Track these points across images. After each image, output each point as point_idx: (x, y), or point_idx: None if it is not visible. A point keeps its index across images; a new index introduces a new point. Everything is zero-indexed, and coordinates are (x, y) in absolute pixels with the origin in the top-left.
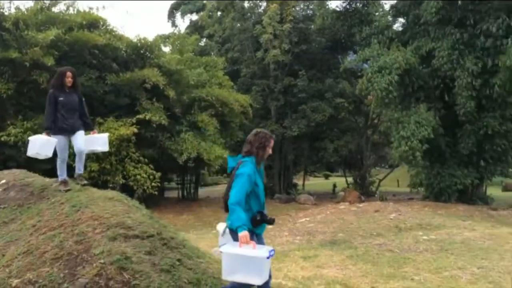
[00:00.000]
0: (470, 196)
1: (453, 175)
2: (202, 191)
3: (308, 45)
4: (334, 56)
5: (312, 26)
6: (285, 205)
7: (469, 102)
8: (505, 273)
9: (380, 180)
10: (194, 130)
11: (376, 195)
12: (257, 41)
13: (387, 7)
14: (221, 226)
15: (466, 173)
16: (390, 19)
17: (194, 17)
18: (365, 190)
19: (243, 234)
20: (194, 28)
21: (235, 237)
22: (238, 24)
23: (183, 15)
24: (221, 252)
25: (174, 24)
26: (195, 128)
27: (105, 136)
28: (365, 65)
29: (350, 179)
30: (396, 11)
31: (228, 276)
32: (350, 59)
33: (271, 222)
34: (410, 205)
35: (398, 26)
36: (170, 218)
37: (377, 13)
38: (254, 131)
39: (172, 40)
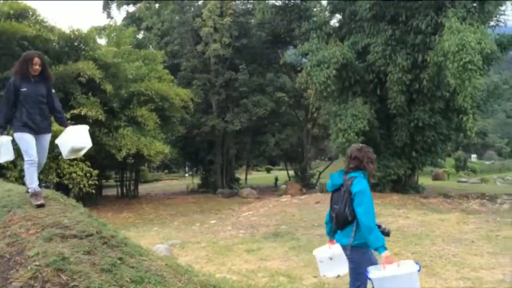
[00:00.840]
0: (403, 185)
1: (387, 166)
2: (143, 188)
3: (249, 39)
4: (274, 51)
5: (253, 20)
6: (228, 200)
7: (400, 97)
8: (437, 257)
9: (320, 172)
10: (133, 126)
11: (316, 187)
12: (197, 34)
13: (324, 3)
14: (321, 252)
15: (399, 164)
16: (328, 14)
17: (131, 8)
18: (306, 183)
19: (387, 254)
20: (131, 20)
21: (358, 256)
22: (178, 17)
23: (119, 6)
24: (370, 278)
25: (109, 16)
26: (134, 123)
27: (83, 129)
28: (304, 60)
29: (291, 172)
30: (333, 7)
31: None
32: (290, 53)
33: (388, 234)
34: None
35: (335, 22)
36: (108, 216)
37: (315, 9)
38: (356, 146)
39: (108, 32)
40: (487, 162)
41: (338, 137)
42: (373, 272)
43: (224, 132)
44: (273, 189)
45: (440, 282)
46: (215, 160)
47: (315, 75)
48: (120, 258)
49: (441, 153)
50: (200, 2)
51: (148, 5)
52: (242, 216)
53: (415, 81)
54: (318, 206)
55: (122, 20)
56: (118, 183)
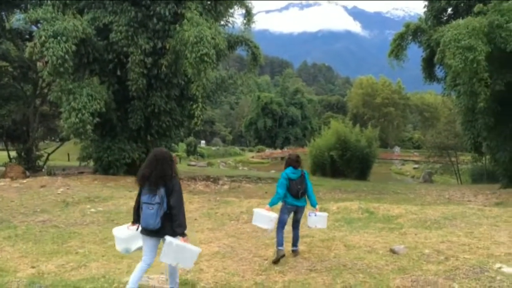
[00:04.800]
0: (137, 168)
1: (122, 149)
2: None
3: None
4: None
5: None
6: None
7: (141, 80)
8: None
9: (49, 154)
10: None
11: (43, 170)
12: None
13: None
14: (261, 212)
15: (134, 147)
16: None
17: None
18: (31, 165)
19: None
20: None
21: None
22: None
23: None
24: (316, 215)
25: None
26: None
27: None
28: (35, 28)
29: (13, 153)
30: None
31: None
32: (17, 18)
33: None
34: (80, 179)
35: None
36: None
37: None
38: (296, 154)
39: None
40: (213, 148)
41: (71, 117)
42: (316, 212)
43: None
44: None
45: None
46: None
47: (52, 48)
48: None
49: (175, 138)
50: None
51: None
52: None
53: (155, 66)
54: (44, 190)
55: None
56: None
